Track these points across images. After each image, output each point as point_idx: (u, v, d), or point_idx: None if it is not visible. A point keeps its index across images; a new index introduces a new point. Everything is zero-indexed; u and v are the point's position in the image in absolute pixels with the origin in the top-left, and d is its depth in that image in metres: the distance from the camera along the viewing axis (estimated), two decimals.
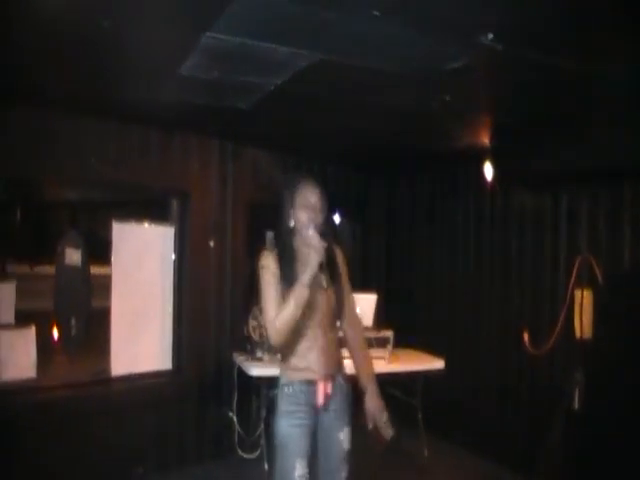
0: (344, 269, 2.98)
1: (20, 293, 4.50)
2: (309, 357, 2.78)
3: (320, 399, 2.78)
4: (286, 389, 2.80)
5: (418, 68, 3.14)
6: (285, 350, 2.82)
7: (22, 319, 4.44)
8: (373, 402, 2.88)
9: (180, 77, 3.42)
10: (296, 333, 2.73)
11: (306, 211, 2.80)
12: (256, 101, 3.87)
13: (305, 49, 2.95)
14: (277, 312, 2.65)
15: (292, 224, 2.85)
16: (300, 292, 2.61)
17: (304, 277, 2.62)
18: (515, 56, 2.89)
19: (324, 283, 2.76)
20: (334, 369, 2.85)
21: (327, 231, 2.83)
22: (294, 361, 2.80)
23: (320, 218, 2.81)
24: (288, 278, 2.72)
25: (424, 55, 2.97)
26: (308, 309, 2.71)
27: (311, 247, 2.66)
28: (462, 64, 2.99)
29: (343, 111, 4.14)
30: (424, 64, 3.08)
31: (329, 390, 2.80)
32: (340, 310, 2.90)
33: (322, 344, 2.79)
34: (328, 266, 2.79)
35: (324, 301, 2.80)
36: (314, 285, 2.68)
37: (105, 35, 2.86)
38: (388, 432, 2.88)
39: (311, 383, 2.78)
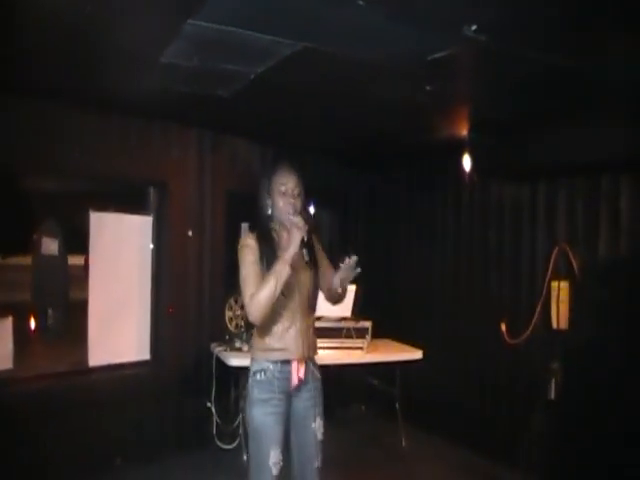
0: (321, 254, 3.02)
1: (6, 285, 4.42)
2: (286, 338, 2.79)
3: (294, 379, 2.80)
4: (259, 376, 2.80)
5: (401, 58, 3.13)
6: (261, 331, 2.82)
7: (2, 310, 4.36)
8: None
9: (161, 64, 3.37)
10: (275, 314, 2.75)
11: (283, 197, 2.82)
12: (237, 89, 3.83)
13: (288, 37, 2.92)
14: (256, 289, 2.65)
15: (269, 212, 2.87)
16: (281, 269, 2.62)
17: (286, 254, 2.64)
18: (498, 48, 2.89)
19: (306, 258, 2.76)
20: (309, 353, 2.87)
21: (307, 217, 2.84)
22: (270, 341, 2.80)
23: (298, 203, 2.84)
24: (269, 260, 2.73)
25: (407, 45, 2.95)
26: (288, 290, 2.74)
27: (293, 226, 2.69)
28: (445, 55, 2.98)
29: (325, 101, 4.12)
30: (407, 54, 3.07)
31: (302, 373, 2.82)
32: (316, 292, 2.93)
33: (300, 326, 2.82)
34: (307, 251, 2.82)
35: (304, 283, 2.83)
36: (295, 265, 2.71)
37: (87, 20, 2.80)
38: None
39: (285, 364, 2.79)
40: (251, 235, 2.84)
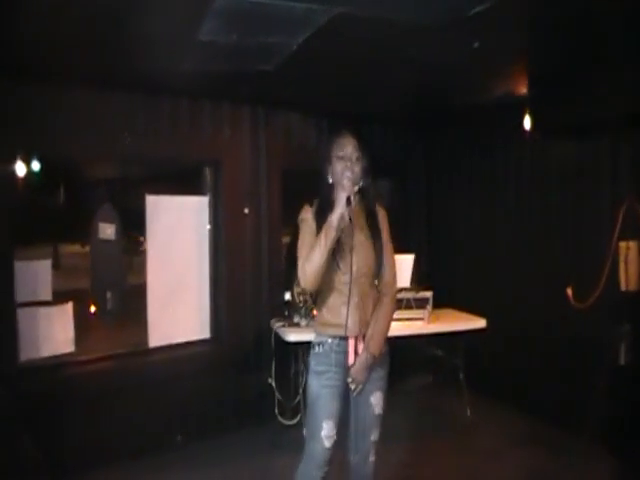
0: (385, 227, 2.93)
1: (72, 272, 4.53)
2: (342, 313, 2.76)
3: (350, 357, 2.77)
4: (317, 348, 2.83)
5: (440, 16, 3.00)
6: (320, 304, 2.84)
7: (68, 297, 4.49)
8: (355, 367, 2.77)
9: (200, 43, 3.35)
10: (330, 287, 2.76)
11: (341, 161, 2.78)
12: (281, 62, 3.76)
13: (321, 4, 2.84)
14: (308, 256, 2.66)
15: (330, 179, 2.84)
16: (328, 232, 2.61)
17: (332, 216, 2.62)
18: None
19: (346, 217, 2.68)
20: (367, 329, 2.82)
21: (366, 184, 2.85)
22: (327, 316, 2.81)
23: (357, 168, 2.79)
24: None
25: (446, 2, 2.84)
26: (343, 263, 2.72)
27: (339, 187, 2.68)
28: (486, 7, 2.83)
29: (371, 68, 4.02)
30: (447, 11, 2.94)
31: (360, 350, 2.78)
32: (378, 268, 2.85)
33: (357, 301, 2.77)
34: (368, 223, 2.83)
35: (362, 257, 2.78)
36: (350, 235, 2.71)
37: (119, 3, 2.81)
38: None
39: (342, 340, 2.78)
40: (309, 209, 2.84)
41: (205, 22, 3.05)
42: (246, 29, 3.22)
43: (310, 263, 2.63)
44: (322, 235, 2.62)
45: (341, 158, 2.78)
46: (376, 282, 2.88)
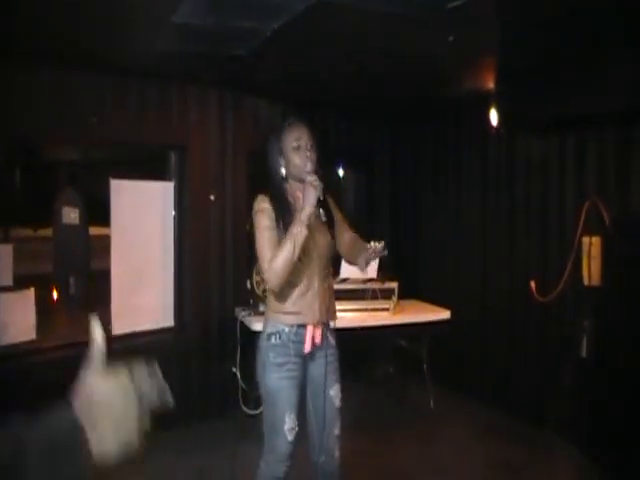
0: (337, 211, 2.92)
1: (24, 256, 4.40)
2: (302, 301, 2.73)
3: (308, 345, 2.73)
4: (274, 339, 2.73)
5: (419, 8, 2.99)
6: (277, 294, 2.74)
7: (27, 282, 4.37)
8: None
9: (175, 25, 3.27)
10: (291, 277, 2.66)
11: (298, 152, 2.70)
12: (255, 47, 3.71)
13: None
14: (274, 254, 2.57)
15: (283, 171, 2.76)
16: (298, 231, 2.52)
17: (302, 214, 2.53)
18: None
19: (323, 218, 2.66)
20: (325, 317, 2.79)
21: (319, 172, 2.73)
22: (286, 305, 2.74)
23: (314, 157, 2.72)
24: (285, 223, 2.64)
25: None
26: (304, 254, 2.64)
27: (307, 185, 2.56)
28: (465, 1, 2.83)
29: (343, 56, 4.00)
30: (425, 3, 2.93)
31: (318, 338, 2.75)
32: (333, 251, 2.85)
33: (317, 290, 2.73)
34: (324, 211, 2.75)
35: (321, 245, 2.75)
36: (312, 227, 2.60)
37: None
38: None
39: (301, 327, 2.73)
40: (264, 199, 2.73)
41: (182, 4, 2.98)
42: (222, 13, 3.16)
43: (278, 265, 2.54)
44: (291, 237, 2.52)
45: (297, 149, 2.71)
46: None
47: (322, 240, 2.76)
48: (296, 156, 2.70)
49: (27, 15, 3.16)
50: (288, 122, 2.79)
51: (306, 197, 2.55)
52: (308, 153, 2.70)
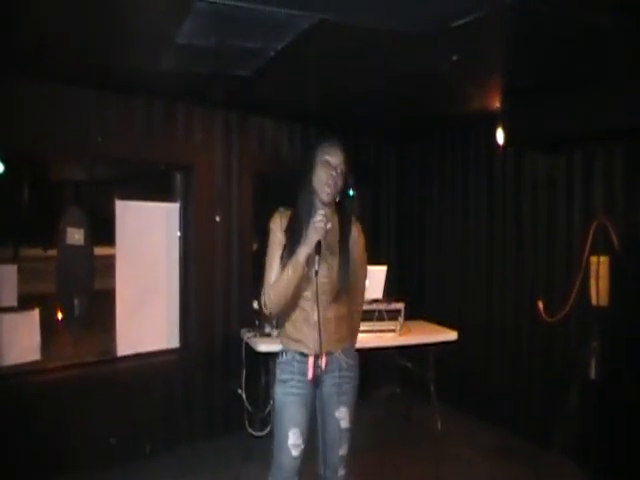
0: (360, 244, 2.90)
1: (34, 275, 4.40)
2: (303, 330, 2.73)
3: (309, 374, 2.73)
4: (282, 356, 2.81)
5: (423, 26, 2.98)
6: (283, 317, 2.81)
7: (34, 302, 4.35)
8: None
9: (178, 45, 3.29)
10: (294, 303, 2.71)
11: (326, 168, 2.71)
12: (258, 67, 3.72)
13: (303, 10, 2.80)
14: (276, 277, 2.65)
15: (313, 184, 2.76)
16: (295, 266, 2.57)
17: (300, 252, 2.55)
18: (526, 9, 2.73)
19: (316, 267, 2.60)
20: (331, 346, 2.75)
21: (343, 200, 2.81)
22: (290, 330, 2.78)
23: (339, 181, 2.73)
24: (293, 241, 2.65)
25: (429, 12, 2.82)
26: (307, 282, 2.66)
27: (312, 224, 2.54)
28: (470, 20, 2.82)
29: (348, 75, 4.00)
30: (429, 22, 2.93)
31: (323, 366, 2.73)
32: (343, 286, 2.76)
33: (317, 320, 2.66)
34: (339, 241, 2.75)
35: (326, 274, 2.69)
36: (312, 262, 2.58)
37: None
38: None
39: (304, 355, 2.75)
40: (278, 218, 2.78)
41: (184, 24, 3.00)
42: (226, 33, 3.17)
43: (275, 293, 2.63)
44: (288, 269, 2.57)
45: (326, 164, 2.70)
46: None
47: (328, 272, 2.70)
48: (322, 170, 2.71)
49: (35, 33, 3.18)
50: (326, 140, 2.81)
51: (308, 236, 2.55)
52: (334, 173, 2.70)
